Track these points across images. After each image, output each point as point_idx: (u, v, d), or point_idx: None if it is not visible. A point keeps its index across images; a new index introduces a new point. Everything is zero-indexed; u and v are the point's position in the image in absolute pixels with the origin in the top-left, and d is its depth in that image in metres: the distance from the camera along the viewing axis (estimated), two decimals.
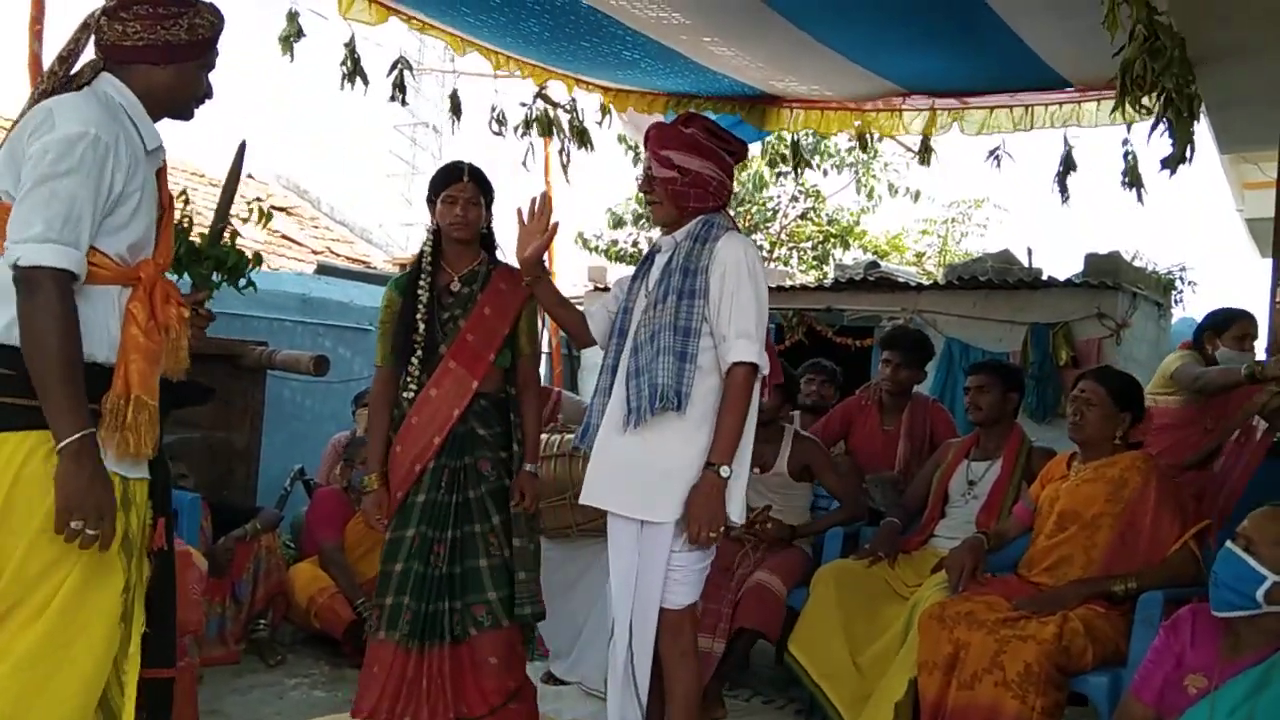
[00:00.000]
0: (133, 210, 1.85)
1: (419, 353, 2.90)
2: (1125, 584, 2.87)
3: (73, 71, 1.90)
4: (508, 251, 3.06)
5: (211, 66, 2.00)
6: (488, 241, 3.08)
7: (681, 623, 2.53)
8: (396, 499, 2.90)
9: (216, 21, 1.96)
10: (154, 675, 1.95)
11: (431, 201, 2.99)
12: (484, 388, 2.93)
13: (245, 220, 2.20)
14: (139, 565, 1.90)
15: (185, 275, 2.15)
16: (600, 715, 2.99)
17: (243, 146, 2.26)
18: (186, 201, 2.30)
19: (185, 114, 2.01)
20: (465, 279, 2.99)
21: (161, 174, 1.99)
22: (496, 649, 2.89)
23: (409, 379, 2.92)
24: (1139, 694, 2.36)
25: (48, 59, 4.02)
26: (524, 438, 3.00)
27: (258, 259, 2.23)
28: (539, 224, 2.66)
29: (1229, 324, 3.89)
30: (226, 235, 2.19)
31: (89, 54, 1.93)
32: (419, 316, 2.91)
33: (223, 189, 2.24)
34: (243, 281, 2.22)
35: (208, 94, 2.02)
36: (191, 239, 2.12)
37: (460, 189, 2.93)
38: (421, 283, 2.95)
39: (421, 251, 3.03)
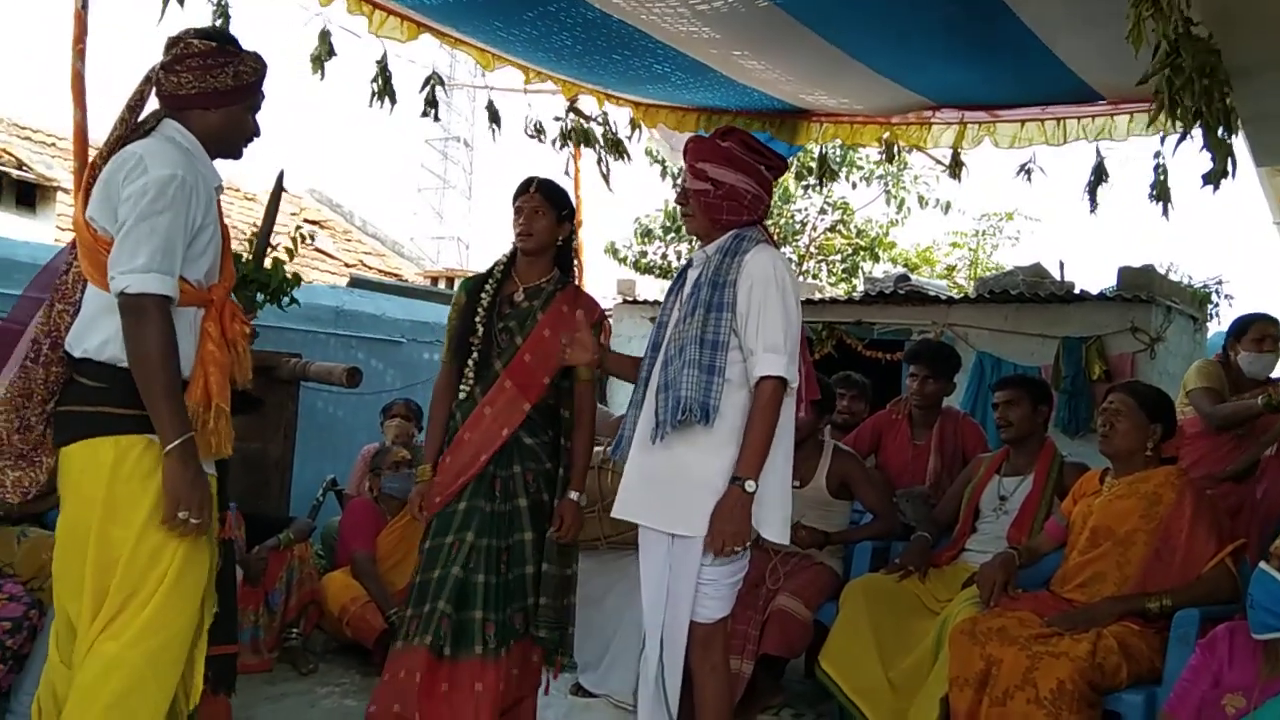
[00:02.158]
0: (208, 240, 2.13)
1: (475, 355, 2.93)
2: (1160, 601, 2.83)
3: (140, 119, 2.17)
4: (587, 271, 3.11)
5: (257, 109, 2.27)
6: (563, 258, 3.08)
7: (712, 637, 2.53)
8: (437, 505, 2.90)
9: (259, 68, 2.23)
10: (219, 651, 2.28)
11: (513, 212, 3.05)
12: (534, 405, 2.93)
13: (290, 251, 2.40)
14: (214, 552, 2.19)
15: (231, 297, 2.28)
16: None
17: (281, 176, 2.42)
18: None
19: (235, 153, 2.28)
20: (530, 292, 2.99)
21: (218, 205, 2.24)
22: (521, 659, 2.89)
23: (463, 380, 2.95)
24: (1175, 713, 2.33)
25: (90, 77, 4.13)
26: (572, 464, 2.99)
27: (297, 279, 2.37)
28: (584, 341, 2.76)
29: (1247, 328, 3.89)
30: (269, 260, 2.31)
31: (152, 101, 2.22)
32: (478, 320, 2.94)
33: (264, 216, 2.39)
34: (286, 300, 2.35)
35: (255, 133, 2.28)
36: (241, 263, 2.24)
37: (526, 199, 2.97)
38: (487, 287, 2.98)
39: (499, 259, 3.07)
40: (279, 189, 2.42)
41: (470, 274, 3.42)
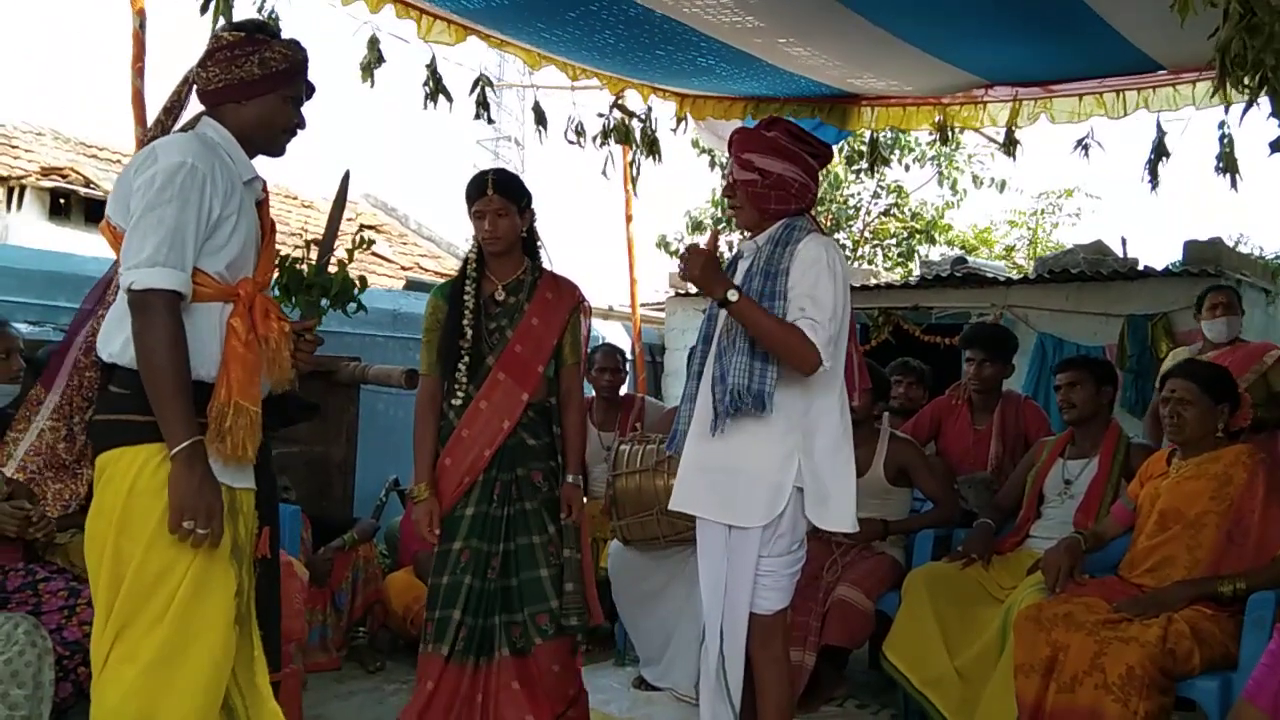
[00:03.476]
0: (230, 231, 1.98)
1: (466, 360, 2.88)
2: (1234, 584, 2.75)
3: (178, 124, 2.08)
4: (552, 255, 3.07)
5: (298, 99, 2.11)
6: (530, 247, 3.05)
7: (773, 628, 2.53)
8: (444, 511, 2.88)
9: (291, 54, 2.07)
10: None
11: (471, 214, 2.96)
12: (533, 398, 2.91)
13: (350, 253, 2.28)
14: (249, 571, 2.03)
15: (295, 304, 2.21)
16: None
17: (346, 176, 2.34)
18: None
19: (277, 148, 2.14)
20: (510, 288, 2.96)
21: (263, 203, 2.14)
22: (559, 656, 2.88)
23: (456, 387, 2.90)
24: (1253, 699, 2.26)
25: (149, 95, 4.21)
26: (566, 448, 2.99)
27: (363, 283, 2.30)
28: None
29: (1204, 298, 4.25)
30: (332, 264, 2.27)
31: (194, 105, 2.12)
32: (465, 324, 2.88)
33: (329, 217, 2.32)
34: (352, 306, 2.29)
35: (299, 124, 2.13)
36: (299, 268, 2.20)
37: (485, 203, 2.89)
38: (467, 290, 2.92)
39: (466, 260, 3.01)
40: (344, 189, 2.32)
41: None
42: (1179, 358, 4.04)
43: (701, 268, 2.47)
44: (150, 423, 1.87)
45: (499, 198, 2.90)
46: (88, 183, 8.44)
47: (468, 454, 2.87)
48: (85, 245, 7.74)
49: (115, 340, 1.93)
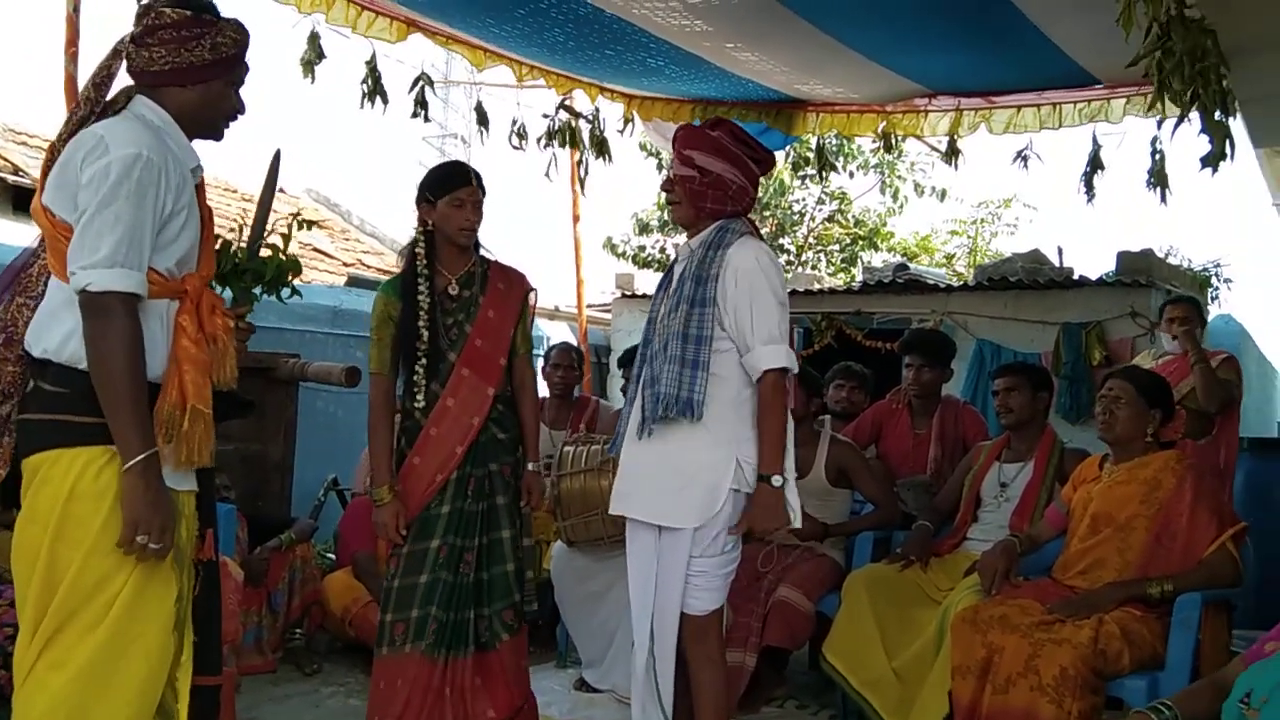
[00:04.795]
0: (180, 227, 1.90)
1: (423, 360, 2.83)
2: (1161, 586, 2.83)
3: (108, 97, 1.95)
4: (498, 254, 3.04)
5: (240, 83, 2.03)
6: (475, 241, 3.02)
7: (707, 629, 2.54)
8: (415, 511, 2.84)
9: (240, 38, 1.99)
10: (201, 682, 2.01)
11: (428, 201, 2.88)
12: (498, 391, 2.89)
13: (285, 236, 2.18)
14: (188, 575, 1.96)
15: (227, 289, 2.15)
16: None
17: (277, 155, 2.26)
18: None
19: (216, 133, 2.05)
20: (463, 281, 2.92)
21: (200, 190, 2.03)
22: (520, 652, 2.91)
23: (415, 388, 2.84)
24: (1246, 658, 2.26)
25: (83, 80, 4.09)
26: (525, 436, 2.98)
27: (296, 266, 2.22)
28: None
29: (1163, 311, 4.37)
30: (265, 249, 2.20)
31: (122, 77, 1.98)
32: (421, 324, 2.82)
33: (259, 201, 2.25)
34: (286, 291, 2.22)
35: (239, 110, 2.05)
36: (232, 252, 2.13)
37: (470, 192, 2.86)
38: (420, 287, 2.85)
39: (414, 253, 2.89)
40: (275, 168, 2.24)
41: None
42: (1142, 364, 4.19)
43: (775, 524, 2.49)
44: (91, 424, 1.79)
45: (479, 190, 2.90)
46: (16, 170, 8.18)
47: (438, 453, 2.84)
48: (12, 234, 7.49)
49: (52, 334, 1.83)
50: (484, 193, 2.93)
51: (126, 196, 1.78)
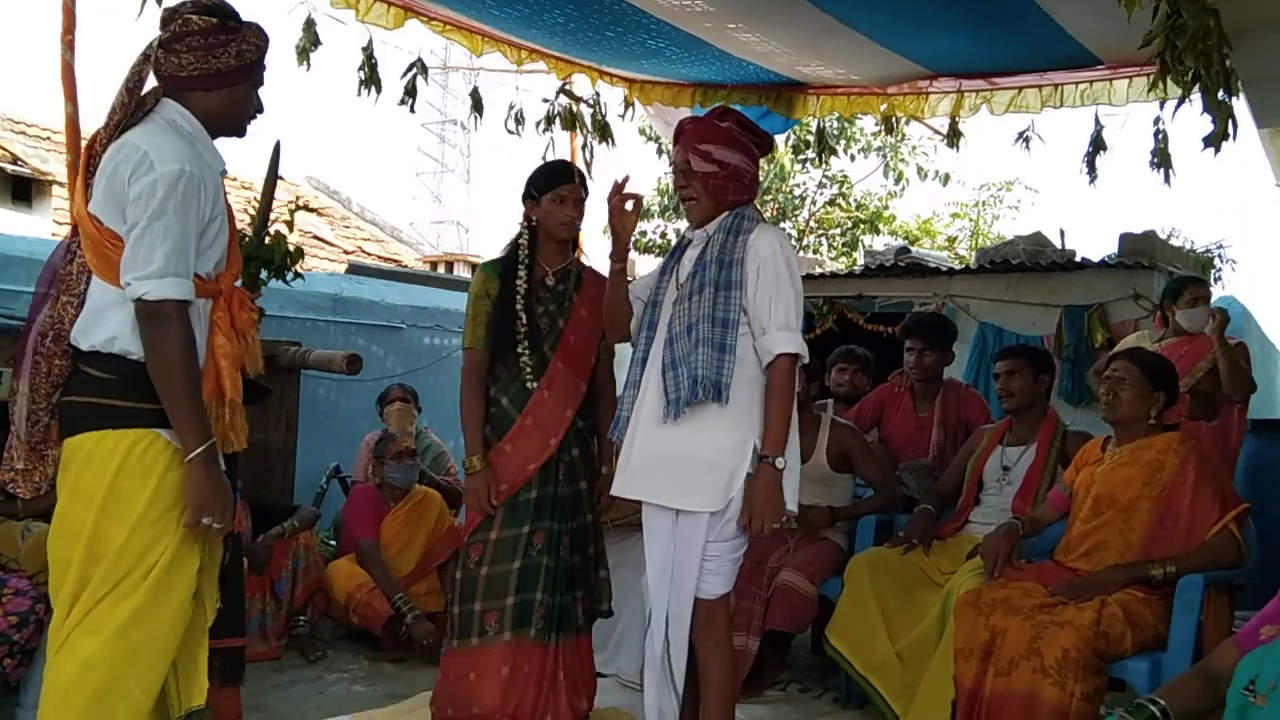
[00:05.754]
0: (216, 231, 2.07)
1: (526, 344, 2.91)
2: (1164, 568, 2.83)
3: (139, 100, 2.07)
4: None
5: (260, 84, 2.17)
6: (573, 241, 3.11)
7: (715, 612, 2.54)
8: (503, 496, 2.88)
9: (261, 43, 2.12)
10: (228, 644, 2.29)
11: (533, 197, 2.97)
12: (588, 386, 2.99)
13: (289, 224, 2.29)
14: (210, 549, 2.13)
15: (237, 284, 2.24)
16: (636, 706, 3.00)
17: (278, 146, 2.33)
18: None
19: (239, 131, 2.19)
20: (559, 275, 3.00)
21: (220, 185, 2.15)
22: (591, 639, 3.03)
23: (527, 371, 2.90)
24: (1237, 641, 2.27)
25: (79, 68, 4.07)
26: (601, 444, 3.04)
27: (299, 253, 2.31)
28: (625, 200, 2.72)
29: (1182, 290, 4.29)
30: (269, 236, 2.25)
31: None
32: (519, 307, 2.91)
33: (262, 191, 2.31)
34: (290, 275, 2.29)
35: (259, 109, 2.19)
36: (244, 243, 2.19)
37: (572, 189, 2.94)
38: (520, 273, 2.95)
39: (517, 243, 3.00)
40: (276, 160, 2.32)
41: (471, 259, 3.41)
42: (1136, 344, 4.10)
43: (773, 506, 2.46)
44: (136, 409, 1.95)
45: (581, 187, 2.97)
46: (15, 159, 8.16)
47: (532, 442, 2.89)
48: (11, 224, 7.49)
49: (100, 331, 1.98)
50: (587, 191, 3.01)
51: (174, 211, 1.94)
